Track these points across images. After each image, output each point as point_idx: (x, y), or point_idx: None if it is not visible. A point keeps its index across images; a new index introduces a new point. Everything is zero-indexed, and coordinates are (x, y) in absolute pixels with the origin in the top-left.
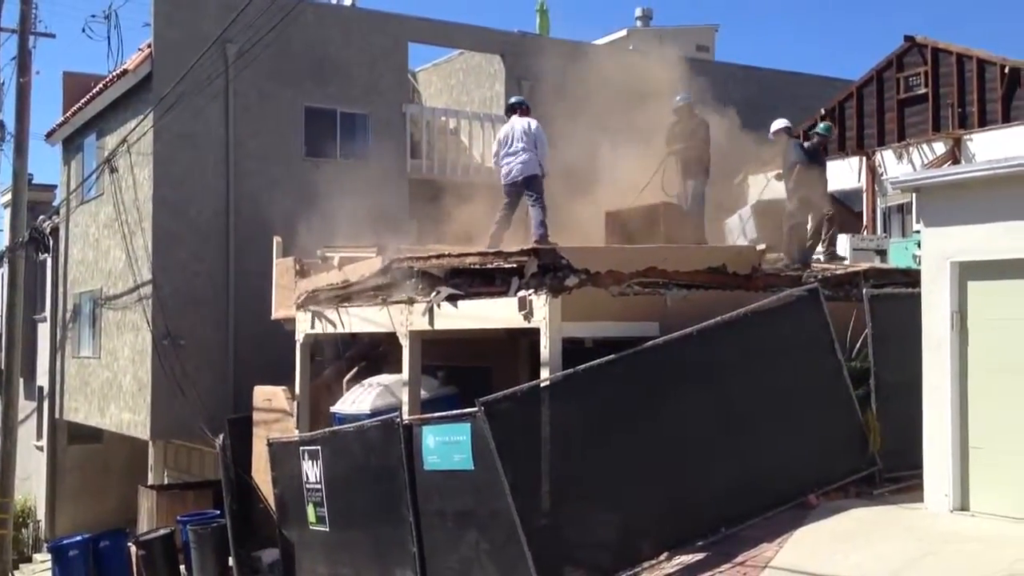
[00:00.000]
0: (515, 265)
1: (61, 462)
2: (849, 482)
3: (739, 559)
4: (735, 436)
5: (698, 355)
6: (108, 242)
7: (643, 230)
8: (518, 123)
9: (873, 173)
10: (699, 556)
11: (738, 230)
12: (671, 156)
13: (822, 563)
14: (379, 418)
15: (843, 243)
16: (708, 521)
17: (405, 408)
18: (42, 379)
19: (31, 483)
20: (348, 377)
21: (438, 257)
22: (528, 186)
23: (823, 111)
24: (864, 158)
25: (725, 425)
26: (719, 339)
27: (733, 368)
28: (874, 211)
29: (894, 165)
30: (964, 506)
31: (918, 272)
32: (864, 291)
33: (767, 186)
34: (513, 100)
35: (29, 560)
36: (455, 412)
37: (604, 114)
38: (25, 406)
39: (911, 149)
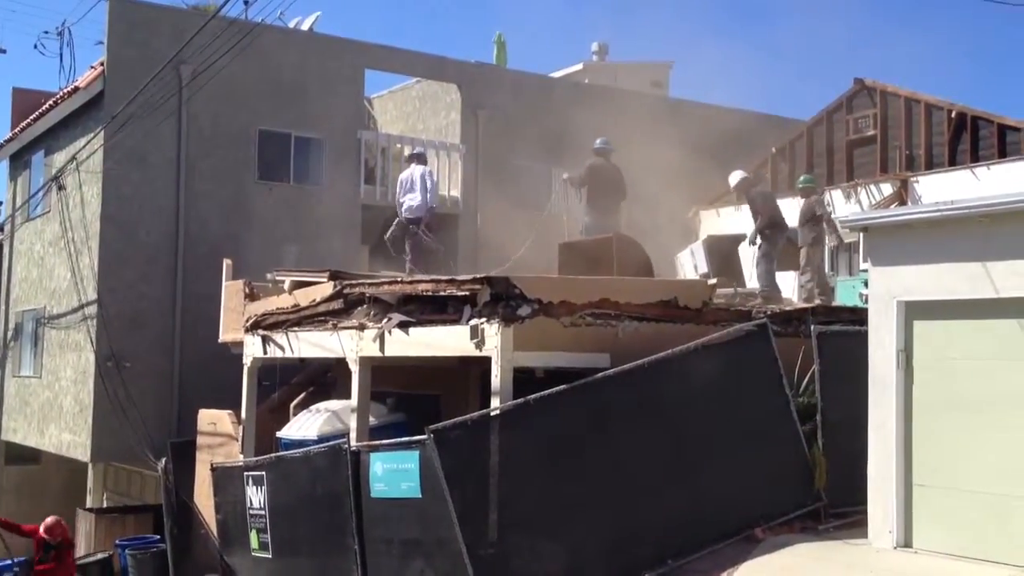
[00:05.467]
0: (467, 293)
1: None
2: (795, 517)
3: None
4: (684, 469)
5: (648, 387)
6: (53, 260)
7: (595, 261)
8: (416, 170)
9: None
10: None
11: (689, 264)
12: (580, 191)
13: None
14: (326, 444)
15: (790, 280)
16: (655, 553)
17: (353, 435)
18: None
19: None
20: (296, 402)
21: (390, 283)
22: (415, 223)
23: (774, 149)
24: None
25: (674, 458)
26: (669, 372)
27: (682, 401)
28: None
29: (842, 204)
30: (908, 543)
31: (865, 310)
32: (812, 328)
33: (718, 220)
34: (416, 150)
35: None
36: (404, 439)
37: (558, 145)
38: None
39: (859, 189)
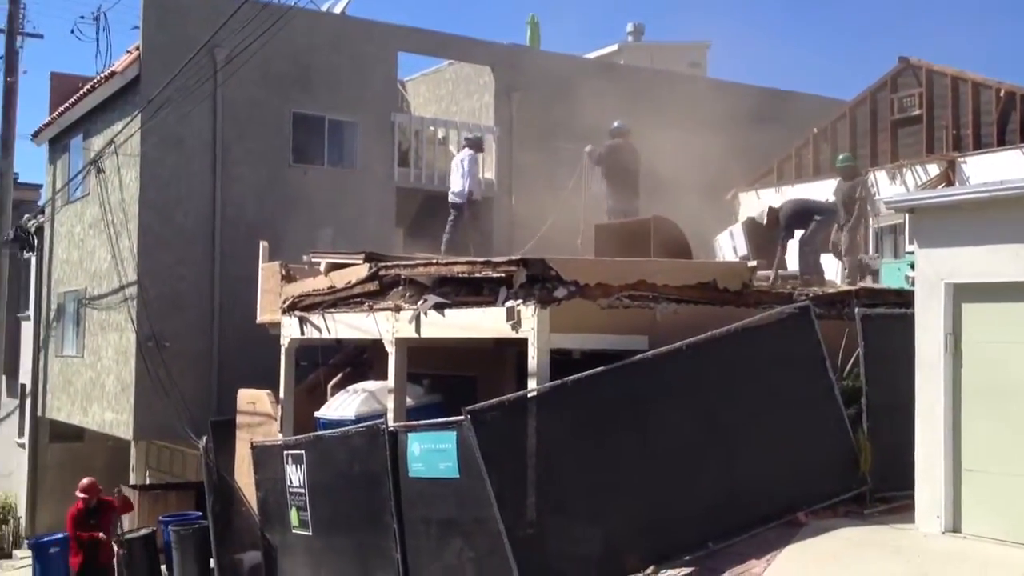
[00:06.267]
0: (503, 275)
1: (42, 460)
2: (839, 502)
3: (726, 575)
4: (724, 452)
5: (688, 370)
6: (93, 242)
7: (633, 243)
8: (460, 155)
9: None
10: (685, 571)
11: (728, 246)
12: (596, 177)
13: None
14: (364, 424)
15: (834, 263)
16: (695, 536)
17: (390, 415)
18: (25, 377)
19: (12, 480)
20: (333, 383)
21: (425, 265)
22: (455, 208)
23: (815, 130)
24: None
25: (714, 440)
26: (709, 354)
27: (723, 384)
28: (866, 231)
29: (887, 186)
30: (956, 528)
31: (911, 293)
32: (856, 310)
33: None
34: (469, 135)
35: (9, 556)
36: (441, 420)
37: (593, 126)
38: (7, 403)
39: (905, 170)
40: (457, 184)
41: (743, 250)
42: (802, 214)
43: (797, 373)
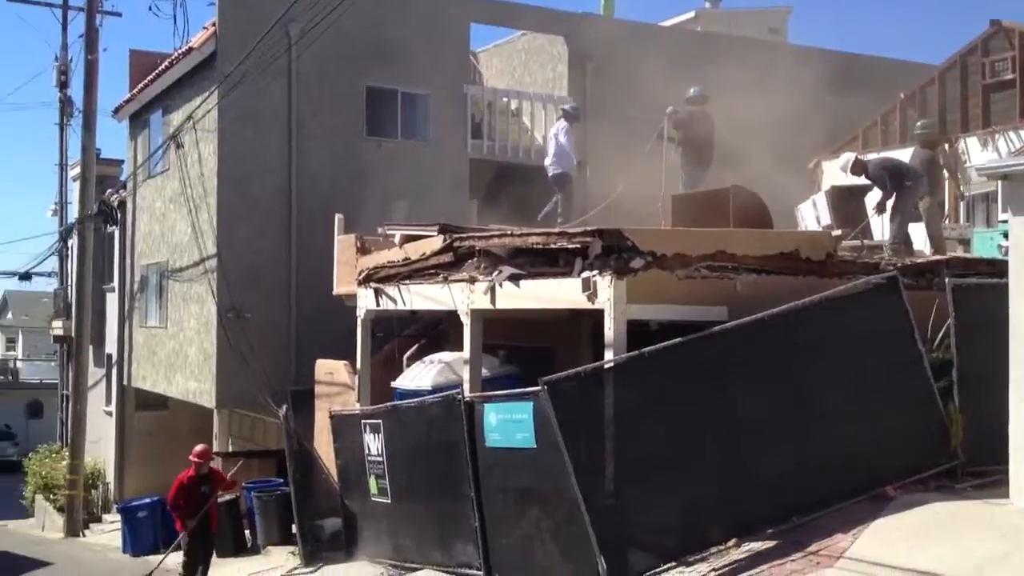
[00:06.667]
0: (579, 246)
1: (129, 427)
2: (929, 475)
3: (811, 548)
4: (809, 424)
5: (769, 341)
6: (174, 216)
7: (711, 213)
8: (556, 126)
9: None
10: (769, 544)
11: (811, 215)
12: (673, 144)
13: (900, 556)
14: (440, 394)
15: (921, 232)
16: (779, 509)
17: (466, 385)
18: (111, 347)
19: (100, 446)
20: (408, 354)
21: (500, 236)
22: (553, 180)
23: (902, 95)
24: (947, 145)
25: (797, 413)
26: (791, 325)
27: (807, 355)
28: (956, 199)
29: (978, 152)
30: None
31: (1004, 263)
32: (947, 280)
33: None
34: (566, 106)
35: (99, 520)
36: (518, 391)
37: (667, 96)
38: (95, 372)
39: (997, 136)
40: (549, 157)
41: (827, 219)
42: (894, 175)
43: (884, 344)
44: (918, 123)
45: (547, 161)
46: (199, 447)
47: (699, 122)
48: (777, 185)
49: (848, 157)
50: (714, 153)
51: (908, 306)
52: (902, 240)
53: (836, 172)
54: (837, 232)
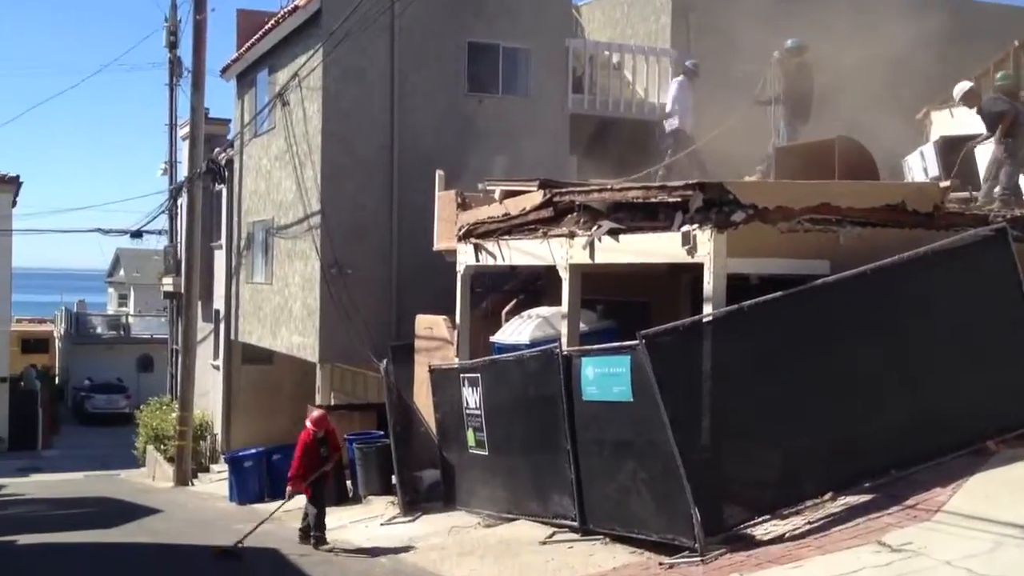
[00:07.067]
0: (679, 199)
1: (236, 381)
2: None
3: (909, 502)
4: (909, 379)
5: (873, 295)
6: (279, 174)
7: (816, 166)
8: (674, 83)
9: None
10: (866, 497)
11: (919, 167)
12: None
13: (999, 511)
14: (538, 348)
15: None
16: (876, 463)
17: (564, 340)
18: (218, 303)
19: (208, 399)
20: (507, 309)
21: (600, 191)
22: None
23: (1016, 43)
24: None
25: (898, 368)
26: (896, 279)
27: (910, 309)
28: None
29: None
30: None
31: None
32: None
33: (951, 121)
34: (687, 63)
35: (207, 470)
36: (615, 344)
37: (772, 44)
38: (203, 327)
39: None
40: (669, 108)
41: (935, 171)
42: (1010, 118)
43: (990, 298)
44: (999, 74)
45: (667, 117)
46: (315, 413)
47: (800, 73)
48: (884, 136)
49: (964, 85)
50: (813, 105)
51: (1016, 259)
52: (1012, 190)
53: (946, 122)
54: (945, 183)
